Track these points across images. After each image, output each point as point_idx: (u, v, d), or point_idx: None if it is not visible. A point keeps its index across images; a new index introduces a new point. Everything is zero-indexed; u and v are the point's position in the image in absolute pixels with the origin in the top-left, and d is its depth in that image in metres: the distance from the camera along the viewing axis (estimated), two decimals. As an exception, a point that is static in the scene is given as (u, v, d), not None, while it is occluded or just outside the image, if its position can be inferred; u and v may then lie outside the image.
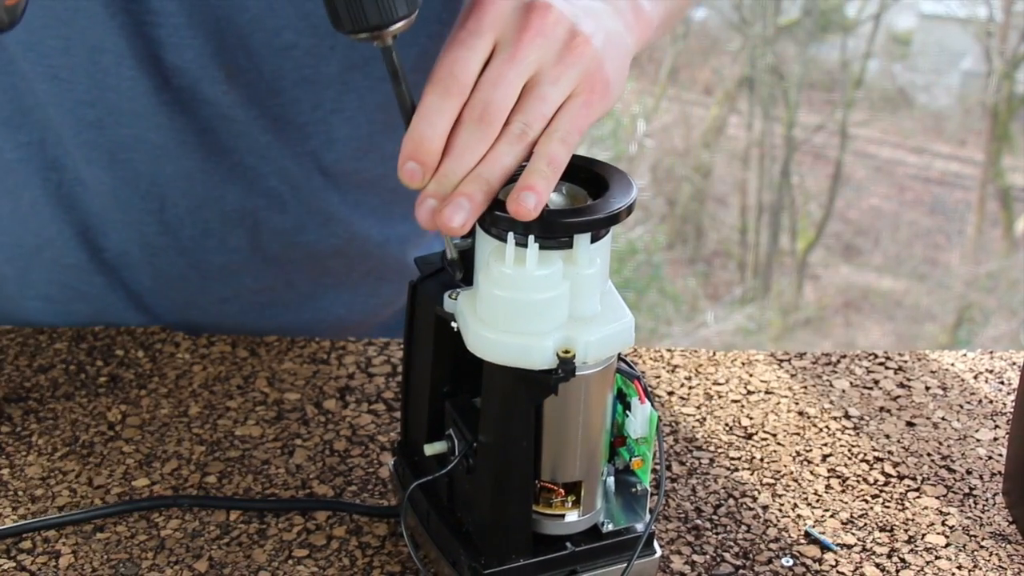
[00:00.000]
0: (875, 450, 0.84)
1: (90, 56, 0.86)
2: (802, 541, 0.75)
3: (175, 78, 0.87)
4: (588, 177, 0.64)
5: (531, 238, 0.59)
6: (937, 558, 0.74)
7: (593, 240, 0.61)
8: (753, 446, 0.84)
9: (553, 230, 0.60)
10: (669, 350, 0.94)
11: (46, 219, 0.94)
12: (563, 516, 0.66)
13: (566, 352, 0.60)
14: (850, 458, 0.83)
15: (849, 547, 0.75)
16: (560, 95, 0.65)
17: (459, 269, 0.65)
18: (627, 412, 0.66)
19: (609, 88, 0.67)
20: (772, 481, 0.80)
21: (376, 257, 0.99)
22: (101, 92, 0.87)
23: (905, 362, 0.94)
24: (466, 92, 0.63)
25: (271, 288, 0.97)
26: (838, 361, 0.94)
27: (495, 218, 0.61)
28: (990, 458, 0.83)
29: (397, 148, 0.89)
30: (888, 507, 0.78)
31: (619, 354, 0.65)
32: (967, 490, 0.80)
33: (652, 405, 0.65)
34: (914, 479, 0.81)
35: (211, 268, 0.95)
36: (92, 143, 0.89)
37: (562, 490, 0.66)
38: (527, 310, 0.60)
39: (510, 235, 0.60)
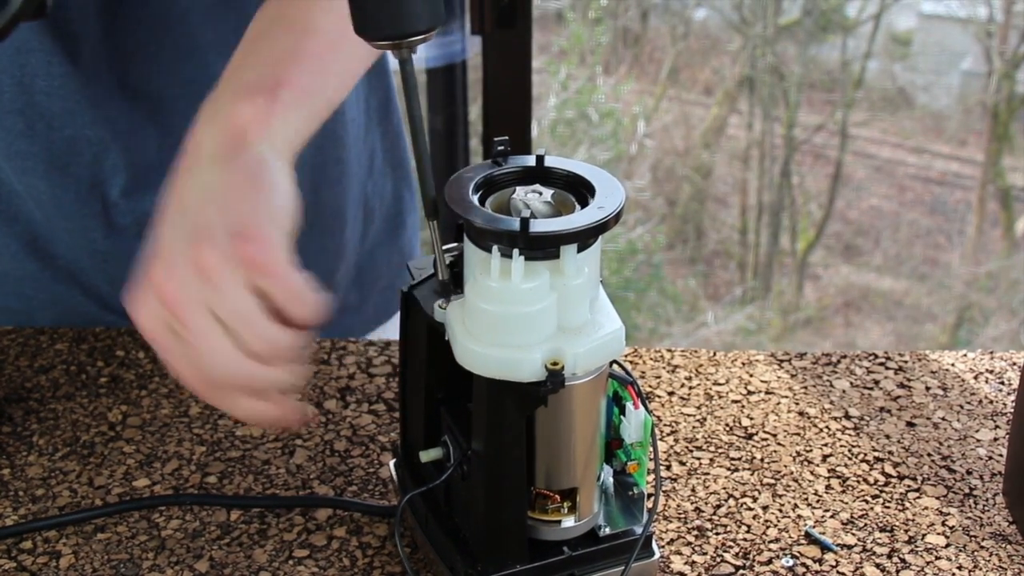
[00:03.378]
0: (875, 450, 0.84)
1: (15, 60, 0.84)
2: (802, 541, 0.75)
3: (99, 74, 0.85)
4: (576, 182, 0.64)
5: (516, 251, 0.59)
6: (937, 558, 0.74)
7: (580, 249, 0.60)
8: (753, 446, 0.84)
9: (538, 243, 0.59)
10: (669, 350, 0.94)
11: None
12: (559, 522, 0.66)
13: (554, 364, 0.59)
14: (850, 458, 0.83)
15: (849, 547, 0.75)
16: None
17: (451, 291, 0.65)
18: (622, 416, 0.66)
19: None
20: (772, 481, 0.80)
21: (309, 216, 0.98)
22: (30, 97, 0.85)
23: (905, 362, 0.94)
24: None
25: None
26: (838, 361, 0.94)
27: (480, 231, 0.60)
28: (990, 458, 0.83)
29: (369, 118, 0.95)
30: (888, 507, 0.78)
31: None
32: (967, 490, 0.80)
33: (647, 410, 0.65)
34: (914, 479, 0.81)
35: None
36: (24, 153, 0.88)
37: (558, 496, 0.66)
38: (514, 323, 0.59)
39: (495, 248, 0.59)
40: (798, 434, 0.85)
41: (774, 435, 0.85)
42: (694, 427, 0.85)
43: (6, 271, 0.95)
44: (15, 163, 0.89)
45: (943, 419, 0.87)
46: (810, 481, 0.81)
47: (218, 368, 0.62)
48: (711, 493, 0.79)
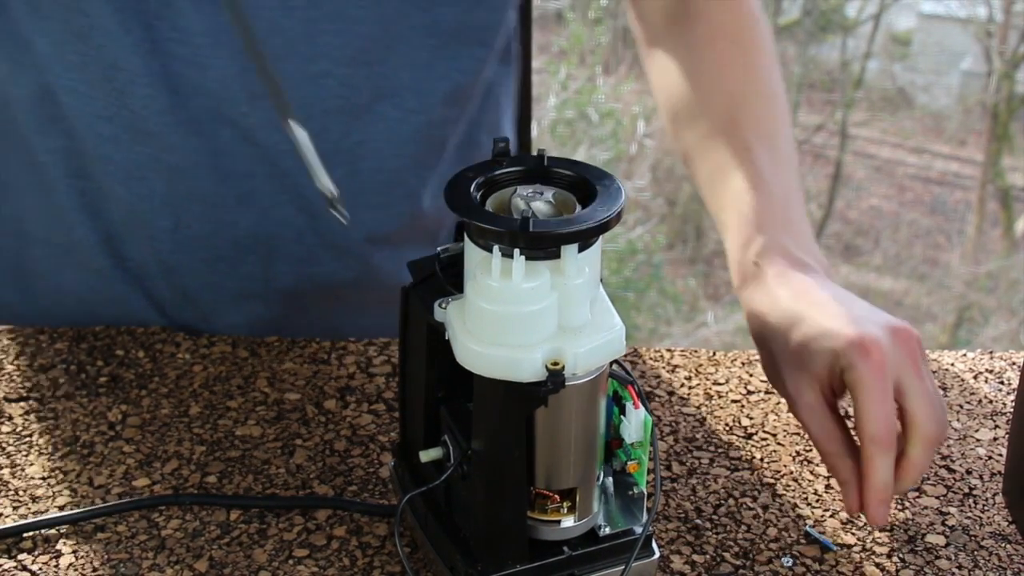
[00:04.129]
0: (875, 450, 0.84)
1: (105, 73, 0.86)
2: (802, 541, 0.75)
3: (195, 98, 0.86)
4: (576, 182, 0.64)
5: (516, 251, 0.58)
6: (937, 558, 0.74)
7: (581, 249, 0.60)
8: (753, 446, 0.84)
9: (539, 242, 0.59)
10: (669, 350, 0.94)
11: (74, 222, 0.94)
12: (559, 522, 0.66)
13: (555, 364, 0.59)
14: (850, 458, 0.83)
15: (849, 547, 0.75)
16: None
17: (338, 206, 0.65)
18: (623, 415, 0.66)
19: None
20: (772, 481, 0.80)
21: (390, 286, 0.98)
22: (118, 109, 0.87)
23: (905, 362, 0.94)
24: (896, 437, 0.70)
25: (283, 316, 0.97)
26: (838, 361, 0.94)
27: (481, 230, 0.60)
28: (990, 458, 0.83)
29: (422, 182, 0.94)
30: (888, 507, 0.78)
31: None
32: (967, 490, 0.80)
33: (647, 409, 0.65)
34: (914, 479, 0.81)
35: (223, 292, 0.95)
36: (107, 158, 0.89)
37: (557, 496, 0.65)
38: (514, 323, 0.59)
39: (495, 247, 0.59)
40: (798, 434, 0.85)
41: (774, 435, 0.85)
42: (694, 427, 0.85)
43: (83, 261, 0.96)
44: (99, 166, 0.90)
45: (943, 419, 0.87)
46: (810, 481, 0.81)
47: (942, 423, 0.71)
48: (711, 493, 0.79)
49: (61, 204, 0.93)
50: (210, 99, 0.86)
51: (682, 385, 0.90)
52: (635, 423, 0.65)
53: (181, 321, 0.97)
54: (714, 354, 0.94)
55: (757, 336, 0.78)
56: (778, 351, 0.75)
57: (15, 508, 0.77)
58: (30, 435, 0.83)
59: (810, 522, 0.77)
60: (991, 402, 0.89)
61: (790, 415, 0.87)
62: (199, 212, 0.91)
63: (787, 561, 0.73)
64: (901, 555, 0.74)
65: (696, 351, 0.94)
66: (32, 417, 0.85)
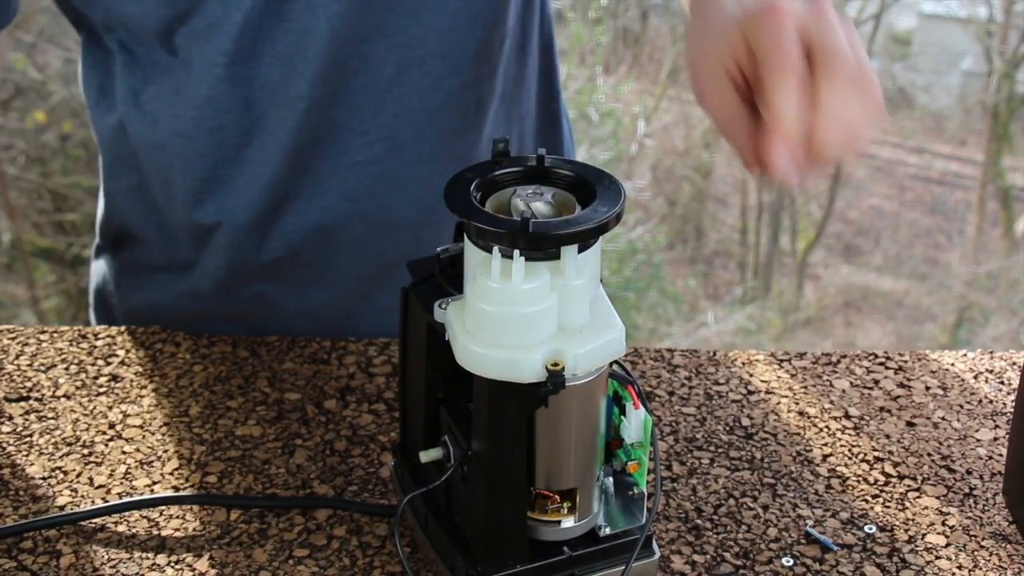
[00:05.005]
0: (875, 450, 0.84)
1: (168, 101, 0.89)
2: (802, 541, 0.75)
3: (248, 111, 0.88)
4: (576, 183, 0.64)
5: (516, 252, 0.58)
6: (937, 558, 0.74)
7: (581, 250, 0.60)
8: (753, 446, 0.84)
9: (539, 243, 0.59)
10: (669, 350, 0.94)
11: (157, 250, 0.98)
12: (559, 522, 0.66)
13: (555, 365, 0.59)
14: (850, 458, 0.83)
15: (849, 547, 0.75)
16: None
17: None
18: (623, 416, 0.66)
19: None
20: (772, 481, 0.80)
21: None
22: (170, 137, 0.90)
23: (905, 362, 0.94)
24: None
25: (343, 302, 0.97)
26: (838, 361, 0.94)
27: (480, 231, 0.60)
28: (990, 458, 0.83)
29: (463, 149, 0.93)
30: (888, 507, 0.78)
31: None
32: (967, 490, 0.80)
33: (647, 410, 0.65)
34: (914, 479, 0.81)
35: (285, 283, 0.95)
36: (169, 183, 0.92)
37: (557, 496, 0.65)
38: (514, 324, 0.59)
39: (495, 248, 0.59)
40: (798, 434, 0.85)
41: (774, 435, 0.85)
42: (694, 427, 0.85)
43: (160, 281, 1.00)
44: (161, 191, 0.96)
45: (943, 419, 0.87)
46: (810, 481, 0.81)
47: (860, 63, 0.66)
48: (711, 493, 0.79)
49: (141, 231, 0.98)
50: (254, 109, 0.87)
51: (682, 385, 0.90)
52: (635, 423, 0.65)
53: (251, 325, 0.97)
54: (714, 354, 0.94)
55: (686, 27, 0.76)
56: (692, 35, 0.72)
57: (15, 508, 0.77)
58: (30, 435, 0.83)
59: (810, 522, 0.77)
60: (991, 402, 0.89)
61: (790, 415, 0.87)
62: (246, 218, 0.92)
63: (787, 561, 0.73)
64: (901, 555, 0.74)
65: (696, 351, 0.94)
66: (32, 417, 0.85)
